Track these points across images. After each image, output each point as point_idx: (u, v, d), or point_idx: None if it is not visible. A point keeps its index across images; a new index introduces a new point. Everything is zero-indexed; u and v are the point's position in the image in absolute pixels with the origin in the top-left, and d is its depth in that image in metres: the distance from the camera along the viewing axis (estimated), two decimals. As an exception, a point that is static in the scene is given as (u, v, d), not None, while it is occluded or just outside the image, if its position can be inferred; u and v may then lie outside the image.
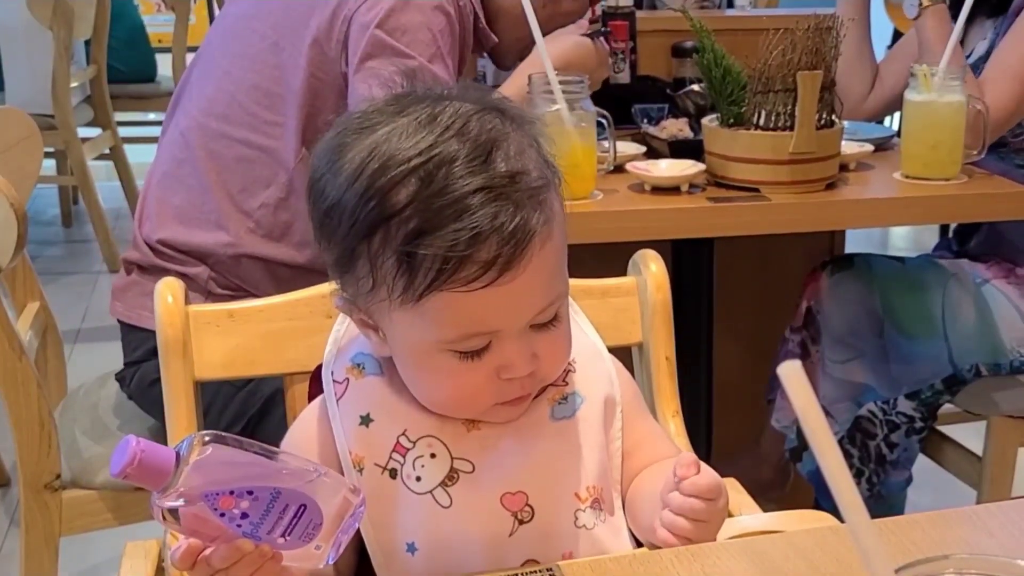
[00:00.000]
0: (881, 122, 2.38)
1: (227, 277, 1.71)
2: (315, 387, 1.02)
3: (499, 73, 2.10)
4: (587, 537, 0.95)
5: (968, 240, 2.18)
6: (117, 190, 4.54)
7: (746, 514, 1.14)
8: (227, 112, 1.72)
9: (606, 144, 1.80)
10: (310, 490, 0.82)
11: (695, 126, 1.95)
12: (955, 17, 1.88)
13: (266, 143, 1.70)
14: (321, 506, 0.82)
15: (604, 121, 1.76)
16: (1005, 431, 2.04)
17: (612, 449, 0.99)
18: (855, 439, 2.02)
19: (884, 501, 2.04)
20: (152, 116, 5.01)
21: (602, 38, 1.92)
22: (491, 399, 0.92)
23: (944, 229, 3.33)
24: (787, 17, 1.96)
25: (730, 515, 0.97)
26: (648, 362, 1.23)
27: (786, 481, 2.21)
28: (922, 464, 2.13)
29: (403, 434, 0.94)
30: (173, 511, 0.79)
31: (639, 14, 2.33)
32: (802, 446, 2.04)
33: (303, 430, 0.98)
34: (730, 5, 3.02)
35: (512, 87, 1.80)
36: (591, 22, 1.91)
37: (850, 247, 2.43)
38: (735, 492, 1.19)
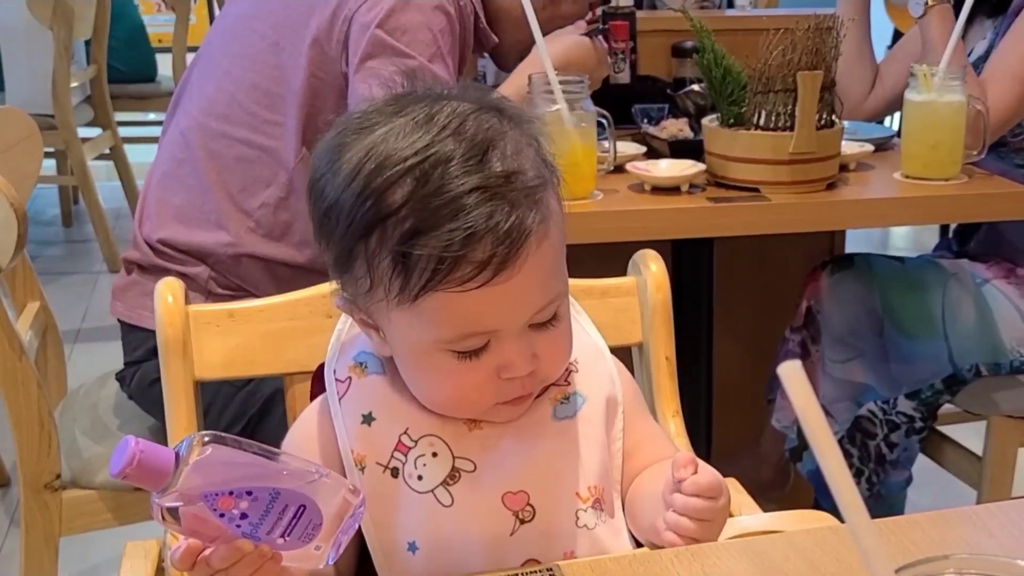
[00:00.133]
0: (881, 122, 2.38)
1: (227, 277, 1.71)
2: (317, 386, 1.02)
3: (499, 73, 2.10)
4: (588, 537, 0.95)
5: (968, 240, 2.18)
6: (117, 190, 4.54)
7: (746, 514, 1.14)
8: (227, 112, 1.72)
9: (606, 144, 1.81)
10: (310, 490, 0.82)
11: (695, 126, 1.95)
12: (956, 17, 1.88)
13: (266, 143, 1.70)
14: (321, 506, 0.82)
15: (604, 121, 1.76)
16: (1005, 431, 2.04)
17: (613, 449, 0.99)
18: (855, 439, 2.02)
19: (884, 501, 2.04)
20: (152, 116, 5.01)
21: (600, 37, 1.92)
22: (491, 399, 0.91)
23: (944, 229, 3.33)
24: (787, 17, 1.96)
25: (730, 515, 0.97)
26: (648, 362, 1.23)
27: (786, 481, 2.21)
28: (922, 464, 2.13)
29: (405, 433, 0.94)
30: (173, 511, 0.79)
31: (639, 14, 2.33)
32: (802, 446, 2.05)
33: (305, 429, 0.98)
34: (730, 5, 3.02)
35: (512, 87, 1.80)
36: (589, 22, 1.91)
37: (850, 247, 2.43)
38: (735, 492, 1.19)
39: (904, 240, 4.64)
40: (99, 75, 4.22)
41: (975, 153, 1.85)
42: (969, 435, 2.20)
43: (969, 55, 2.09)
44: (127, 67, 4.59)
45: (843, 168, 1.87)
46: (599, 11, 2.02)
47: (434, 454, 0.94)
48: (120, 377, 1.76)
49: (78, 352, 3.34)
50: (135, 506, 1.66)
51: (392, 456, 0.94)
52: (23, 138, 1.84)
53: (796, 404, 0.56)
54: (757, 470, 2.15)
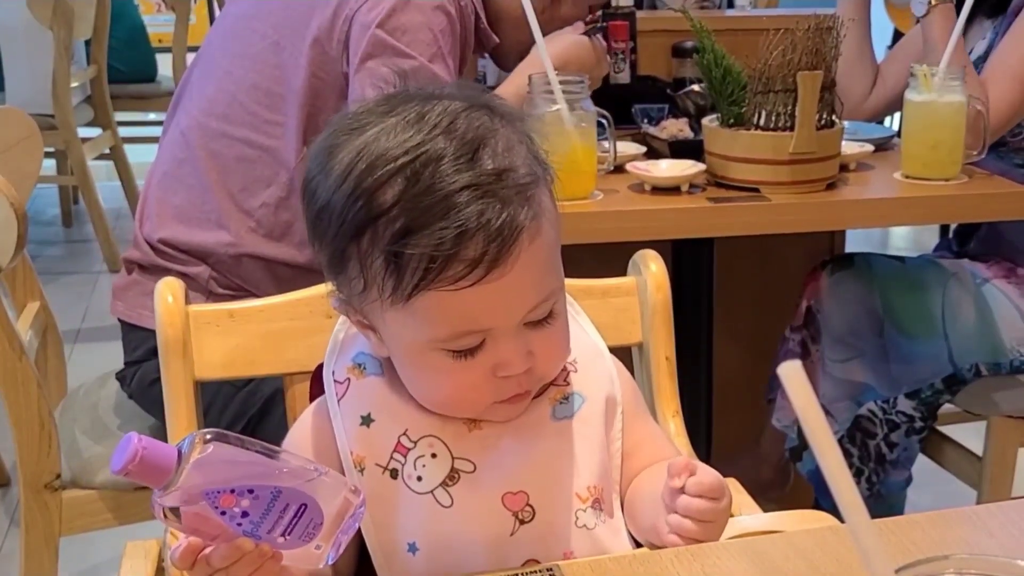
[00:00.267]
0: (881, 122, 2.38)
1: (228, 277, 1.71)
2: (316, 387, 1.02)
3: (499, 73, 2.10)
4: (587, 537, 0.95)
5: (968, 240, 2.18)
6: (117, 190, 4.54)
7: (746, 514, 1.14)
8: (228, 112, 1.72)
9: (606, 144, 1.80)
10: (311, 489, 0.82)
11: (695, 126, 1.95)
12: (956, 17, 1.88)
13: (267, 143, 1.70)
14: (322, 506, 0.82)
15: (604, 121, 1.76)
16: (1005, 431, 2.04)
17: (612, 449, 0.99)
18: (855, 438, 2.02)
19: (884, 501, 2.05)
20: (152, 116, 5.01)
21: (599, 35, 1.92)
22: (489, 397, 0.91)
23: (944, 229, 3.33)
24: (787, 17, 1.96)
25: (731, 515, 0.97)
26: (648, 362, 1.23)
27: (786, 481, 2.21)
28: (922, 464, 2.13)
29: (404, 434, 0.94)
30: (174, 509, 0.79)
31: (639, 14, 2.33)
32: (802, 445, 2.05)
33: (304, 430, 0.98)
34: (730, 5, 3.02)
35: (512, 87, 1.81)
36: (587, 23, 1.91)
37: (850, 247, 2.43)
38: (735, 492, 1.18)
39: (904, 240, 4.64)
40: (99, 75, 4.22)
41: (975, 153, 1.85)
42: (969, 435, 2.20)
43: (968, 55, 2.09)
44: (127, 67, 4.59)
45: (843, 168, 1.87)
46: (599, 13, 2.02)
47: (433, 455, 0.94)
48: (120, 377, 1.76)
49: (78, 352, 3.34)
50: (135, 506, 1.66)
51: (391, 457, 0.94)
52: (23, 138, 1.84)
53: (796, 404, 0.56)
54: (757, 470, 2.15)
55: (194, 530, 0.81)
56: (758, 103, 1.72)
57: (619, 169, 1.83)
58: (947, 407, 2.08)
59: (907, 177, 1.85)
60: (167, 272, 1.63)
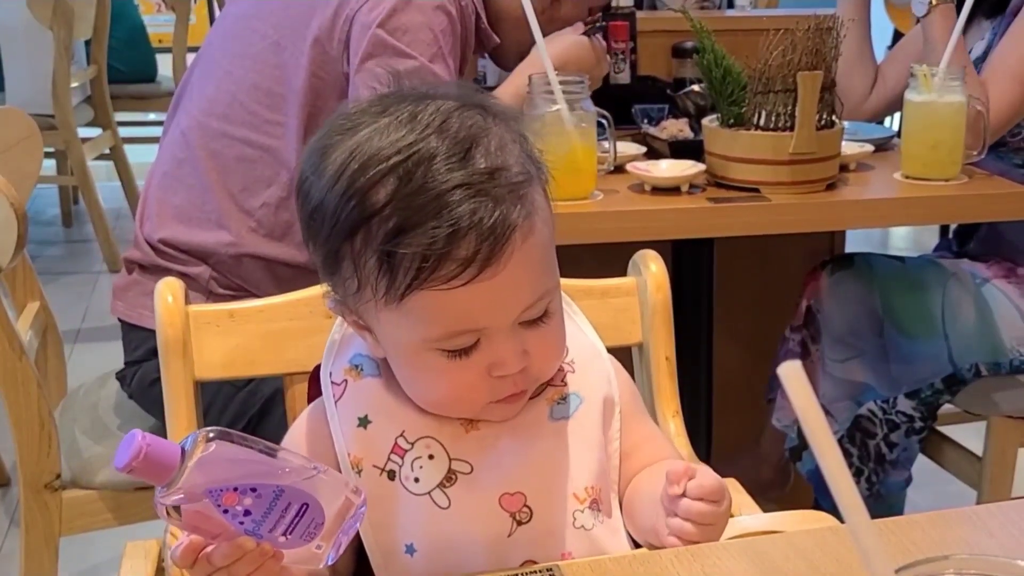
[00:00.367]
0: (881, 122, 2.38)
1: (228, 277, 1.71)
2: (313, 389, 1.02)
3: (500, 73, 2.10)
4: (585, 538, 0.95)
5: (968, 240, 2.18)
6: (117, 190, 4.54)
7: (746, 514, 1.14)
8: (228, 112, 1.72)
9: (606, 144, 1.80)
10: (313, 489, 0.82)
11: (695, 126, 1.95)
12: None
13: (267, 142, 1.71)
14: (323, 505, 0.82)
15: (604, 121, 1.76)
16: (1005, 431, 2.04)
17: (611, 450, 0.99)
18: (855, 438, 2.02)
19: (884, 501, 2.04)
20: (152, 116, 5.01)
21: (599, 35, 1.92)
22: (485, 397, 0.91)
23: (944, 229, 3.33)
24: (787, 17, 1.96)
25: (731, 515, 0.97)
26: (648, 362, 1.23)
27: (786, 481, 2.21)
28: (922, 464, 2.13)
29: (401, 435, 0.94)
30: (176, 507, 0.79)
31: (639, 14, 2.33)
32: (802, 445, 2.05)
33: (301, 432, 0.98)
34: (730, 5, 3.02)
35: (512, 87, 1.81)
36: (586, 23, 1.91)
37: (850, 247, 2.43)
38: (735, 492, 1.18)
39: (904, 240, 4.64)
40: (99, 75, 4.22)
41: (975, 153, 1.85)
42: (969, 435, 2.20)
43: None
44: (127, 67, 4.59)
45: (843, 168, 1.87)
46: (598, 15, 2.02)
47: (430, 456, 0.94)
48: (120, 377, 1.76)
49: (78, 352, 3.34)
50: (135, 506, 1.66)
51: (388, 459, 0.94)
52: (23, 138, 1.84)
53: (796, 404, 0.56)
54: (757, 470, 2.15)
55: (195, 528, 0.81)
56: (758, 103, 1.72)
57: (619, 169, 1.83)
58: (947, 407, 2.08)
59: (907, 177, 1.85)
60: (167, 272, 1.63)
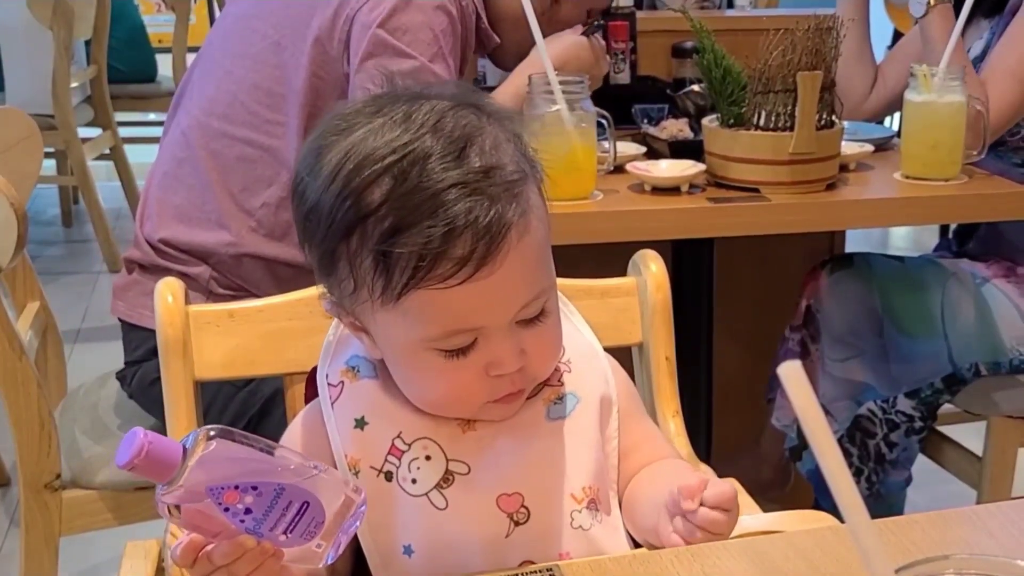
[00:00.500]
0: (881, 122, 2.38)
1: (228, 277, 1.71)
2: (310, 390, 1.02)
3: (500, 73, 2.10)
4: (583, 538, 0.95)
5: (968, 240, 2.18)
6: (117, 190, 4.54)
7: (746, 514, 1.14)
8: (228, 112, 1.72)
9: (606, 144, 1.81)
10: (314, 488, 0.82)
11: (695, 126, 1.95)
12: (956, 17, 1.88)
13: (268, 142, 1.71)
14: (324, 504, 0.82)
15: (604, 121, 1.76)
16: (1005, 431, 2.04)
17: (608, 449, 0.99)
18: (855, 438, 2.02)
19: (884, 501, 2.04)
20: (152, 116, 5.01)
21: (599, 35, 1.92)
22: (482, 397, 0.91)
23: (944, 229, 3.33)
24: (787, 17, 1.96)
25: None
26: (648, 362, 1.23)
27: (786, 481, 2.21)
28: (922, 464, 2.13)
29: (398, 436, 0.94)
30: (177, 505, 0.79)
31: (639, 14, 2.33)
32: (802, 445, 2.05)
33: (298, 433, 0.98)
34: (730, 5, 3.02)
35: (511, 87, 1.81)
36: (585, 23, 1.91)
37: (850, 247, 2.43)
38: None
39: (904, 240, 4.64)
40: (99, 75, 4.22)
41: (975, 153, 1.85)
42: (969, 435, 2.20)
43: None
44: (127, 67, 4.59)
45: (843, 168, 1.87)
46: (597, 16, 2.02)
47: (427, 457, 0.93)
48: (120, 376, 1.76)
49: (78, 352, 3.34)
50: (135, 506, 1.66)
51: (386, 460, 0.94)
52: (23, 138, 1.84)
53: (796, 404, 0.56)
54: (757, 470, 2.15)
55: (196, 527, 0.81)
56: (758, 103, 1.73)
57: (619, 169, 1.83)
58: (947, 407, 2.08)
59: (907, 177, 1.85)
60: (167, 272, 1.63)
